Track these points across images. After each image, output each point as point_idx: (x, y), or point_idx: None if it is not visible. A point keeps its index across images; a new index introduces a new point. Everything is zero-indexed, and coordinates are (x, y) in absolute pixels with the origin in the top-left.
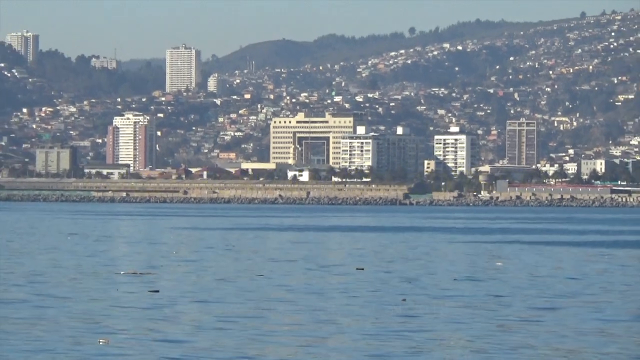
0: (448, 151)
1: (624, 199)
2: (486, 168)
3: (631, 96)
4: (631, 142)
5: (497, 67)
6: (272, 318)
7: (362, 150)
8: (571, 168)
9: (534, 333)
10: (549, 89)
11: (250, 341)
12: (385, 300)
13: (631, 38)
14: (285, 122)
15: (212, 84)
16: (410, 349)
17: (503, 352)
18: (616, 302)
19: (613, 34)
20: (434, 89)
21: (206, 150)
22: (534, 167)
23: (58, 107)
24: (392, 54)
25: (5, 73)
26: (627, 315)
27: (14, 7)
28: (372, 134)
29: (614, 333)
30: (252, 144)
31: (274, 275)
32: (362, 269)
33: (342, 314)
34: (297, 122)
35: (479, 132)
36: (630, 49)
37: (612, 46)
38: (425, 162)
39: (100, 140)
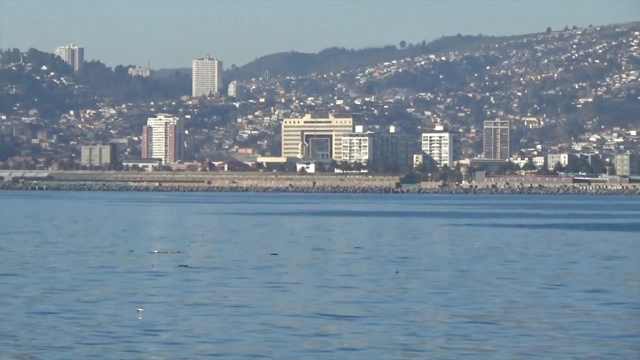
0: (433, 147)
1: (584, 187)
2: (466, 161)
3: (590, 99)
4: (590, 139)
5: (476, 74)
6: (283, 284)
7: (360, 146)
8: (539, 161)
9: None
10: (519, 94)
11: (264, 304)
12: (378, 269)
13: (590, 50)
14: (294, 122)
15: (231, 89)
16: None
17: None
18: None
19: (575, 46)
20: (421, 94)
21: (227, 146)
22: (507, 160)
23: (100, 110)
24: (386, 63)
25: (55, 81)
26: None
27: (63, 22)
28: (369, 132)
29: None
30: (266, 141)
31: (289, 251)
32: (359, 248)
33: (341, 284)
34: (305, 122)
35: (460, 130)
36: (589, 59)
37: (573, 57)
38: (414, 156)
39: (136, 138)
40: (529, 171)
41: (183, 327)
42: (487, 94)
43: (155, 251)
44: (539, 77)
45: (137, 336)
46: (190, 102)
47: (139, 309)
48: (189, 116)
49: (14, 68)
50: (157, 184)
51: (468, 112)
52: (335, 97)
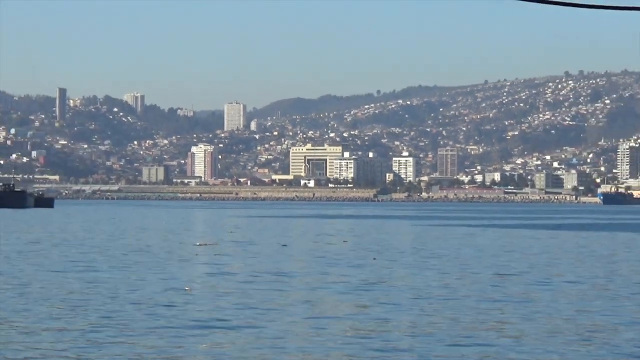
0: (401, 167)
1: (512, 197)
2: (425, 178)
3: (516, 133)
4: (516, 162)
5: (432, 114)
6: (289, 269)
7: (347, 167)
8: (479, 178)
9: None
10: (464, 128)
11: (277, 279)
12: (362, 258)
13: (516, 96)
14: (299, 149)
15: (253, 125)
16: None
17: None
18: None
19: (505, 93)
20: (392, 129)
21: (249, 167)
22: (455, 177)
23: (156, 140)
24: (366, 106)
25: (123, 119)
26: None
27: (129, 75)
28: (353, 157)
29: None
30: (278, 163)
31: (296, 243)
32: (346, 242)
33: (330, 268)
34: (307, 149)
35: (420, 155)
36: (516, 103)
37: (504, 101)
38: (387, 174)
39: (183, 161)
40: (472, 185)
41: (210, 291)
42: (441, 129)
43: (198, 243)
44: (478, 117)
45: (182, 304)
46: (222, 135)
47: (186, 287)
48: (221, 145)
49: (92, 110)
50: (198, 195)
51: (426, 142)
52: (329, 131)
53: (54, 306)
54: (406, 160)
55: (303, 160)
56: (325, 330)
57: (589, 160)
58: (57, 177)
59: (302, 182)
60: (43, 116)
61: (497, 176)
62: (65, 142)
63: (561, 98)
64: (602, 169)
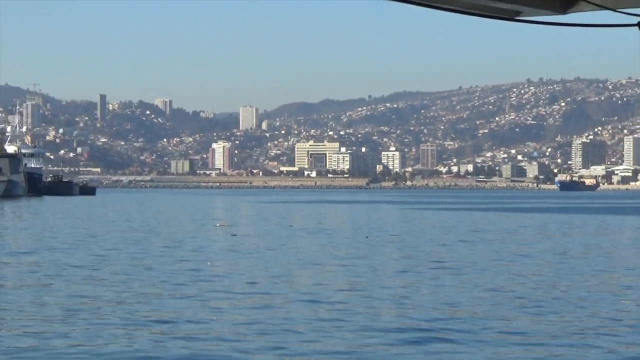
0: (389, 160)
1: (483, 185)
2: (409, 169)
3: (486, 131)
4: (486, 155)
5: (415, 115)
6: (294, 243)
7: (343, 160)
8: (455, 169)
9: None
10: (442, 127)
11: (286, 253)
12: (357, 236)
13: (486, 100)
14: (303, 145)
15: (264, 125)
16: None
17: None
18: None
19: (476, 97)
20: (381, 128)
21: (261, 161)
22: (434, 168)
23: (182, 138)
24: (359, 109)
25: (154, 120)
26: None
27: (159, 82)
28: (349, 151)
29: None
30: (285, 157)
31: (301, 224)
32: (344, 222)
33: (329, 247)
34: (309, 145)
35: (405, 150)
36: (485, 106)
37: (475, 104)
38: (377, 166)
39: (205, 156)
40: (448, 175)
41: (230, 264)
42: (422, 127)
43: (217, 224)
44: (454, 117)
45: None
46: (238, 133)
47: (209, 262)
48: (237, 142)
49: (128, 112)
50: (217, 184)
51: (410, 139)
52: (328, 130)
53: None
54: (393, 154)
55: (306, 155)
56: (325, 277)
57: (547, 153)
58: (98, 170)
59: (306, 172)
60: (87, 118)
61: (470, 167)
62: (105, 140)
63: (524, 101)
64: (559, 161)
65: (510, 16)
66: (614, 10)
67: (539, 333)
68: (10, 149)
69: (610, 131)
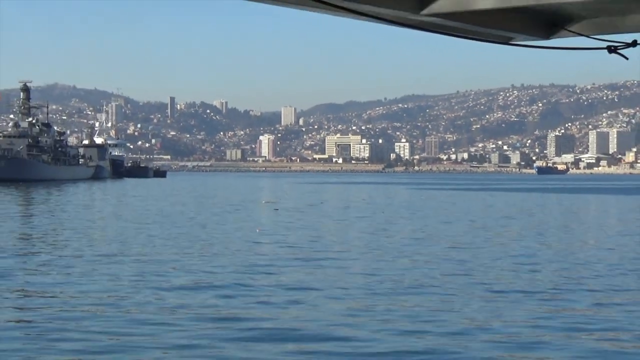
0: (401, 150)
1: (476, 170)
2: (417, 156)
3: (478, 126)
4: (479, 145)
5: (421, 114)
6: (324, 217)
7: (364, 149)
8: (453, 156)
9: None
10: (443, 123)
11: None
12: (374, 211)
13: (478, 101)
14: (332, 138)
15: (301, 121)
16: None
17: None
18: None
19: (470, 99)
20: (394, 124)
21: (298, 150)
22: (437, 156)
23: (235, 132)
24: (377, 108)
25: (213, 117)
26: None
27: (217, 86)
28: (368, 142)
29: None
30: (317, 147)
31: (331, 201)
32: (365, 199)
33: (351, 222)
34: (337, 137)
35: (414, 141)
36: (478, 106)
37: (470, 105)
38: (391, 154)
39: (253, 146)
40: (448, 161)
41: (271, 232)
42: (427, 123)
43: (264, 201)
44: (452, 115)
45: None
46: (280, 128)
47: (258, 229)
48: (279, 135)
49: (192, 111)
50: (263, 168)
51: (418, 132)
52: (352, 125)
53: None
54: (404, 145)
55: (334, 145)
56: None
57: (527, 144)
58: (168, 157)
59: (334, 159)
60: (159, 115)
61: (465, 155)
62: (174, 133)
63: (509, 102)
64: (537, 150)
65: (504, 41)
66: (587, 36)
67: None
68: (98, 140)
69: (578, 126)
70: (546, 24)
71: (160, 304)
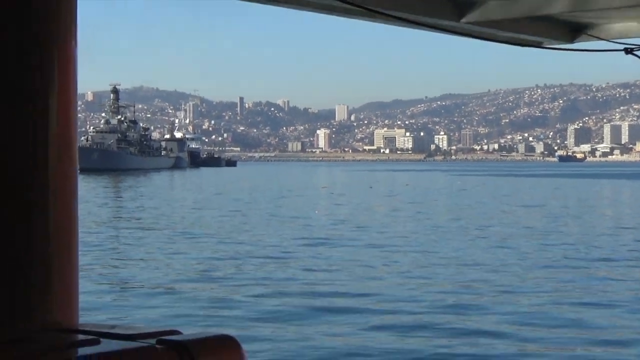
0: (439, 141)
1: (504, 158)
2: (454, 147)
3: (507, 120)
4: (507, 137)
5: (457, 110)
6: (372, 202)
7: (407, 141)
8: (485, 147)
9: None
10: (476, 119)
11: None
12: (413, 195)
13: (507, 99)
14: (380, 131)
15: (352, 117)
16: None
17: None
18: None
19: (500, 97)
20: (434, 118)
21: (350, 142)
22: (471, 147)
23: (296, 127)
24: (419, 105)
25: (277, 114)
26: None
27: (281, 87)
28: (411, 135)
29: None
30: (367, 139)
31: (378, 187)
32: (408, 184)
33: (398, 200)
34: (384, 131)
35: (451, 134)
36: (507, 103)
37: (500, 102)
38: (431, 145)
39: (312, 139)
40: (481, 151)
41: (325, 213)
42: (463, 118)
43: (321, 186)
44: (484, 111)
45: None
46: (335, 123)
47: (316, 211)
48: (334, 129)
49: (259, 109)
50: (320, 158)
51: (454, 126)
52: (397, 120)
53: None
54: (442, 137)
55: (382, 138)
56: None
57: (550, 136)
58: (238, 149)
59: (381, 150)
60: (230, 113)
61: (496, 146)
62: (243, 128)
63: (533, 99)
64: (558, 141)
65: (535, 45)
66: (606, 40)
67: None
68: (178, 135)
69: (594, 120)
70: (570, 30)
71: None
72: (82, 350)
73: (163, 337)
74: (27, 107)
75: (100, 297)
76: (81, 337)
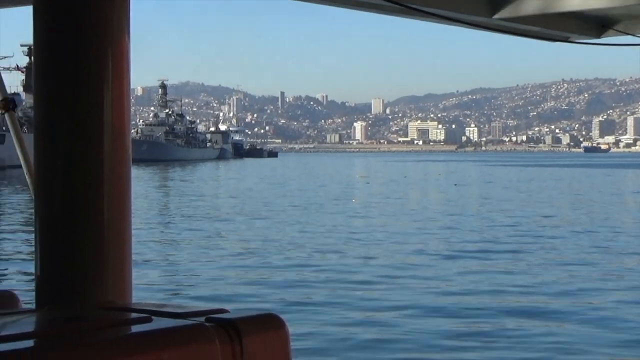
0: (470, 133)
1: (532, 149)
2: (484, 139)
3: (535, 113)
4: (535, 129)
5: (487, 103)
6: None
7: (440, 133)
8: (514, 139)
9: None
10: (505, 111)
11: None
12: (445, 184)
13: (534, 93)
14: (414, 123)
15: (387, 110)
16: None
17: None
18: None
19: (528, 91)
20: (465, 111)
21: (386, 134)
22: (501, 138)
23: (334, 119)
24: (451, 99)
25: (315, 108)
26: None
27: (319, 81)
28: (444, 127)
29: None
30: (401, 131)
31: (410, 176)
32: (440, 174)
33: (432, 188)
34: (417, 123)
35: (481, 126)
36: (535, 97)
37: (527, 95)
38: (462, 137)
39: (349, 131)
40: (510, 142)
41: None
42: (492, 111)
43: (358, 176)
44: (513, 104)
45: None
46: (371, 116)
47: (354, 199)
48: (370, 122)
49: (299, 103)
50: (357, 149)
51: (484, 119)
52: (430, 113)
53: None
54: (473, 129)
55: (415, 130)
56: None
57: (575, 128)
58: (279, 140)
59: (415, 142)
60: (272, 107)
61: (524, 137)
62: (284, 121)
63: (560, 93)
64: (583, 132)
65: (562, 40)
66: (632, 34)
67: None
68: (222, 127)
69: (618, 113)
70: (597, 25)
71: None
72: (135, 328)
73: (211, 316)
74: (85, 99)
75: (152, 278)
76: (134, 315)
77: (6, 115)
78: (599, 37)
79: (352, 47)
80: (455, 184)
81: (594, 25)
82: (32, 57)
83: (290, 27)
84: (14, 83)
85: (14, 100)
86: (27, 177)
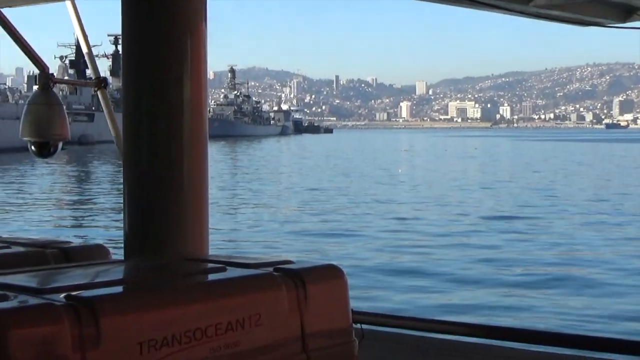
0: (503, 111)
1: (559, 126)
2: (515, 117)
3: (561, 93)
4: (561, 108)
5: (519, 85)
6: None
7: (476, 111)
8: (543, 116)
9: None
10: (535, 92)
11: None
12: (487, 157)
13: (560, 76)
14: (453, 103)
15: (430, 92)
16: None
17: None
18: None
19: (555, 74)
20: (499, 92)
21: (429, 112)
22: (531, 116)
23: (382, 99)
24: (486, 82)
25: (366, 89)
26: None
27: (370, 65)
28: (480, 107)
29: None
30: (442, 110)
31: (451, 150)
32: (477, 148)
33: (467, 162)
34: (457, 103)
35: (513, 105)
36: (560, 80)
37: (555, 78)
38: (496, 115)
39: (395, 110)
40: (539, 119)
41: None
42: (524, 92)
43: (404, 149)
44: (542, 86)
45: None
46: (415, 97)
47: (399, 170)
48: (414, 102)
49: (352, 85)
50: (403, 126)
51: (516, 99)
52: (467, 94)
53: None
54: (506, 108)
55: (455, 109)
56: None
57: (598, 106)
58: (334, 118)
59: (454, 119)
60: (328, 89)
61: (552, 115)
62: (339, 101)
63: (584, 76)
64: (605, 111)
65: (594, 24)
66: None
67: None
68: (284, 107)
69: (637, 93)
70: (622, 10)
71: None
72: (212, 277)
73: (279, 266)
74: (166, 77)
75: (227, 232)
76: (210, 265)
77: (99, 92)
78: (623, 22)
79: (399, 35)
80: (475, 148)
81: (620, 10)
82: (119, 46)
83: (344, 19)
84: (102, 68)
85: (106, 80)
86: (116, 145)
